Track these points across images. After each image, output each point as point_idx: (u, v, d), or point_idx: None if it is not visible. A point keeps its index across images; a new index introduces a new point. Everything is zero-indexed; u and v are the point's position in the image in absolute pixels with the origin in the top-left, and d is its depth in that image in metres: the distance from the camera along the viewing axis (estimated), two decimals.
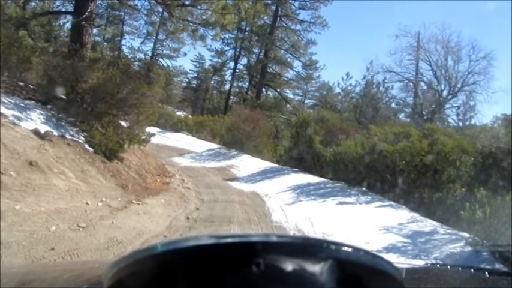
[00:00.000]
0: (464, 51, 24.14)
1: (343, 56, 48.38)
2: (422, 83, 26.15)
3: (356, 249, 0.49)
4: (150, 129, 21.95)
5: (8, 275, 1.08)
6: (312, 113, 15.23)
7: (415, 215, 7.43)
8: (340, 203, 8.66)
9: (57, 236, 4.78)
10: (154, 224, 6.54)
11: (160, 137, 20.85)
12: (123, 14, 37.61)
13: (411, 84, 25.88)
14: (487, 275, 1.23)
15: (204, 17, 10.12)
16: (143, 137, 9.08)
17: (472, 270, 1.36)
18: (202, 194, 10.18)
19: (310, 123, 13.24)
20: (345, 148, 10.87)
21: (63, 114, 8.38)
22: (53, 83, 8.36)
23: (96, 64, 8.84)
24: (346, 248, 0.49)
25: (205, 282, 0.46)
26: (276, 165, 14.56)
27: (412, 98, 26.14)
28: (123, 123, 9.01)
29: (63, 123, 8.24)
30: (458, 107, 23.97)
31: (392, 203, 8.40)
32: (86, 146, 8.02)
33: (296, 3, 30.82)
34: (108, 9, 37.32)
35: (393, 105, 31.64)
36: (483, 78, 23.32)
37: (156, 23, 36.53)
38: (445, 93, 23.99)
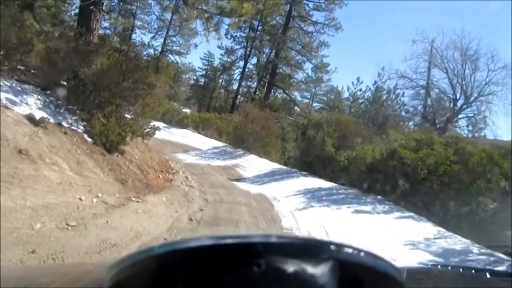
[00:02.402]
0: (482, 60, 23.23)
1: (355, 60, 47.36)
2: (436, 91, 25.30)
3: (357, 250, 0.48)
4: (156, 124, 21.41)
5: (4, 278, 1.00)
6: (324, 115, 14.52)
7: (441, 229, 6.72)
8: (356, 212, 7.96)
9: (42, 235, 4.12)
10: (154, 224, 5.88)
11: (165, 133, 20.20)
12: (135, 8, 37.51)
13: (428, 91, 25.00)
14: (488, 276, 1.21)
15: (219, 5, 9.44)
16: (147, 130, 8.41)
17: (473, 271, 1.35)
18: (207, 193, 9.54)
19: (323, 125, 12.54)
20: (361, 153, 10.17)
21: (63, 101, 7.73)
22: (54, 67, 7.73)
23: (102, 49, 8.17)
24: (347, 249, 0.48)
25: (205, 283, 0.46)
26: (284, 167, 13.85)
27: (428, 105, 25.19)
28: (126, 114, 8.33)
29: (61, 111, 7.59)
30: (469, 118, 23.15)
31: (413, 214, 7.69)
32: (85, 136, 7.37)
33: (310, 4, 30.10)
34: (121, 3, 37.49)
35: (402, 112, 30.81)
36: (501, 88, 22.46)
37: (167, 20, 36.32)
38: (460, 102, 23.16)
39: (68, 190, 5.46)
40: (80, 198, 5.43)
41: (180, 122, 20.84)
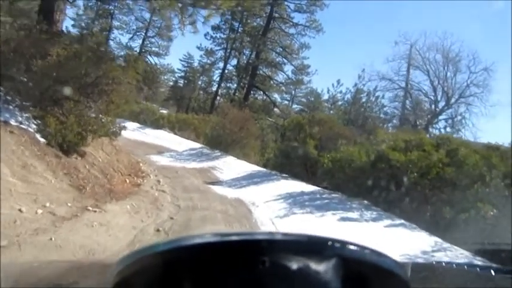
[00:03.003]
0: (464, 62, 23.05)
1: (336, 62, 46.63)
2: (417, 92, 24.92)
3: (361, 247, 0.48)
4: (129, 124, 20.29)
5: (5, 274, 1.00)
6: (305, 115, 13.80)
7: (438, 240, 6.02)
8: (343, 219, 7.21)
9: None
10: (111, 239, 4.99)
11: (140, 133, 19.20)
12: (113, 8, 36.50)
13: (407, 93, 24.60)
14: (493, 274, 1.18)
15: None
16: (112, 130, 7.47)
17: (478, 268, 1.33)
18: (179, 199, 8.70)
19: (305, 125, 11.81)
20: (346, 155, 9.45)
21: (13, 97, 6.73)
22: (4, 58, 6.70)
23: (59, 38, 7.18)
24: (351, 246, 0.48)
25: (210, 279, 0.46)
26: (264, 170, 13.05)
27: (406, 107, 24.75)
28: (92, 112, 7.38)
29: (10, 107, 6.58)
30: (447, 120, 22.89)
31: (404, 222, 6.98)
32: (38, 136, 6.39)
33: (292, 6, 29.49)
34: (98, 3, 36.29)
35: (382, 115, 30.49)
36: (481, 90, 22.26)
37: (145, 21, 35.38)
38: (441, 104, 22.85)
39: (5, 200, 4.51)
40: (19, 210, 4.50)
41: (156, 123, 19.82)
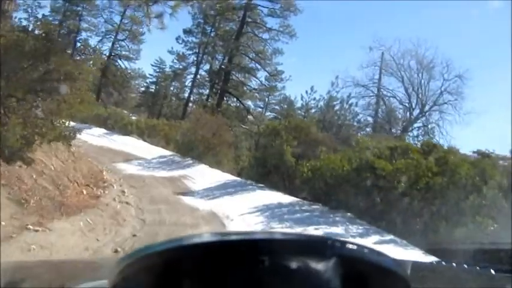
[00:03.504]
0: (437, 69, 22.80)
1: (310, 68, 45.79)
2: (393, 100, 24.50)
3: (360, 247, 0.48)
4: (95, 130, 19.07)
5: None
6: (282, 121, 13.03)
7: (436, 260, 5.30)
8: (327, 235, 6.42)
9: None
10: None
11: (106, 140, 17.97)
12: (81, 9, 35.27)
13: (381, 100, 24.20)
14: (493, 273, 1.18)
15: None
16: (65, 133, 6.44)
17: (478, 268, 1.32)
18: (145, 212, 7.78)
19: (281, 131, 11.04)
20: (326, 163, 8.71)
21: None
22: None
23: None
24: (350, 246, 0.48)
25: (210, 279, 0.45)
26: (238, 179, 12.16)
27: (381, 114, 24.32)
28: (37, 111, 6.32)
29: None
30: (419, 128, 22.65)
31: (394, 237, 6.25)
32: None
33: (265, 10, 28.85)
34: (66, 4, 34.89)
35: (354, 123, 30.20)
36: (455, 98, 22.03)
37: (115, 23, 34.31)
38: (416, 111, 22.58)
39: None
40: None
41: (124, 129, 18.62)
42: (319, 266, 0.45)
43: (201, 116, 15.66)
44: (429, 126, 22.24)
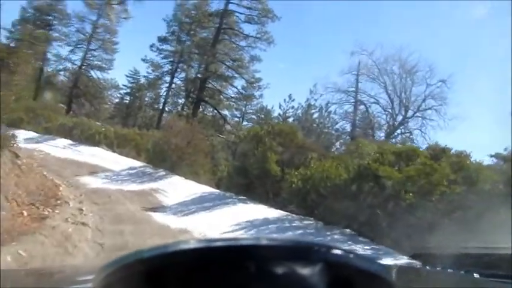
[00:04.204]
0: (421, 74, 22.08)
1: (288, 75, 44.37)
2: (375, 106, 23.57)
3: (346, 252, 0.47)
4: (60, 141, 17.38)
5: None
6: (264, 126, 11.80)
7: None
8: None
9: None
10: None
11: (71, 151, 16.30)
12: (52, 18, 33.87)
13: (363, 106, 23.28)
14: (476, 276, 1.21)
15: None
16: None
17: (462, 272, 1.34)
18: (105, 234, 6.48)
19: (264, 138, 9.80)
20: (319, 171, 7.50)
21: None
22: None
23: None
24: (336, 251, 0.47)
25: (195, 286, 0.45)
26: (216, 191, 10.82)
27: (363, 120, 23.34)
28: None
29: None
30: (404, 134, 21.77)
31: (410, 260, 5.08)
32: None
33: (242, 17, 27.82)
34: (37, 13, 33.47)
35: (333, 131, 29.30)
36: (439, 103, 21.30)
37: (87, 33, 32.89)
38: (399, 117, 21.72)
39: None
40: None
41: (91, 139, 16.98)
42: (305, 271, 0.44)
43: (175, 123, 14.27)
44: (413, 132, 21.38)
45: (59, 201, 7.28)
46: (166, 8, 41.31)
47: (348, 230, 6.38)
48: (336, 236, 6.18)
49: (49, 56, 34.02)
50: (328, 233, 6.33)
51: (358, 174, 6.75)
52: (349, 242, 5.83)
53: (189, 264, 0.44)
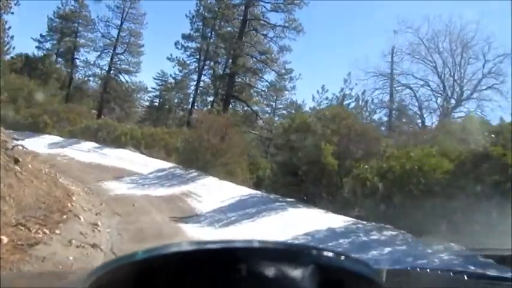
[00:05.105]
0: (477, 48, 18.50)
1: (322, 64, 40.98)
2: (424, 89, 20.39)
3: (337, 255, 0.47)
4: (84, 144, 16.02)
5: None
6: (312, 112, 9.72)
7: None
8: None
9: None
10: None
11: (96, 154, 14.88)
12: (76, 25, 33.66)
13: (409, 91, 20.51)
14: (466, 278, 1.19)
15: None
16: None
17: (451, 273, 1.34)
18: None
19: (315, 126, 7.81)
20: (410, 162, 5.39)
21: None
22: None
23: None
24: (327, 253, 0.47)
25: None
26: (258, 193, 8.93)
27: (415, 109, 20.39)
28: None
29: None
30: (459, 118, 18.75)
31: None
32: None
33: (268, 6, 25.83)
34: (63, 21, 33.35)
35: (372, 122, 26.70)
36: (502, 80, 17.60)
37: (113, 37, 32.33)
38: (453, 100, 18.78)
39: None
40: None
41: (117, 140, 15.51)
42: (296, 273, 0.44)
43: (206, 118, 12.49)
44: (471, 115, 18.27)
45: (65, 216, 5.58)
46: (189, 4, 39.70)
47: (463, 249, 4.23)
48: (456, 261, 4.00)
49: (77, 62, 34.06)
50: (442, 255, 4.17)
51: (473, 161, 4.64)
52: (489, 269, 3.68)
53: (180, 266, 0.43)
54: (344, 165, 7.22)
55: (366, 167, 6.29)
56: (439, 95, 18.93)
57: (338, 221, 6.02)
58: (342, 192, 7.03)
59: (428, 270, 1.38)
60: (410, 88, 19.66)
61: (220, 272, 0.43)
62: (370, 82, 20.87)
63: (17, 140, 8.55)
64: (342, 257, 0.47)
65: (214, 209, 7.77)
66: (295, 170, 8.04)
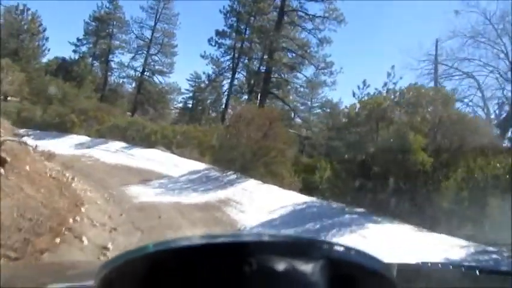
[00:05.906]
0: None
1: (365, 56, 37.78)
2: (489, 78, 17.30)
3: (348, 249, 0.46)
4: (112, 144, 14.61)
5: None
6: (387, 96, 7.75)
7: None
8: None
9: None
10: None
11: (124, 155, 13.35)
12: (111, 27, 33.42)
13: (470, 80, 17.69)
14: (478, 273, 1.16)
15: None
16: None
17: (463, 268, 1.30)
18: None
19: (393, 112, 5.79)
20: None
21: None
22: None
23: None
24: (338, 248, 0.46)
25: (197, 282, 0.44)
26: (314, 200, 6.97)
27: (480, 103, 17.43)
28: None
29: None
30: None
31: None
32: None
33: None
34: (98, 24, 33.19)
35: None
36: None
37: (146, 38, 31.77)
38: None
39: None
40: None
41: (147, 140, 13.96)
42: (306, 267, 0.43)
43: (244, 110, 10.67)
44: None
45: (57, 240, 3.86)
46: (222, 2, 38.10)
47: None
48: None
49: (112, 64, 33.88)
50: None
51: None
52: None
53: (191, 260, 0.43)
54: (441, 164, 5.15)
55: (496, 164, 4.25)
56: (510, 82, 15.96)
57: (443, 243, 3.99)
58: (440, 200, 4.99)
59: (439, 265, 1.34)
60: (473, 77, 16.79)
61: (230, 265, 0.42)
62: (424, 71, 18.05)
63: (22, 136, 7.07)
64: (353, 252, 0.45)
65: (261, 223, 5.89)
66: (364, 170, 6.02)
